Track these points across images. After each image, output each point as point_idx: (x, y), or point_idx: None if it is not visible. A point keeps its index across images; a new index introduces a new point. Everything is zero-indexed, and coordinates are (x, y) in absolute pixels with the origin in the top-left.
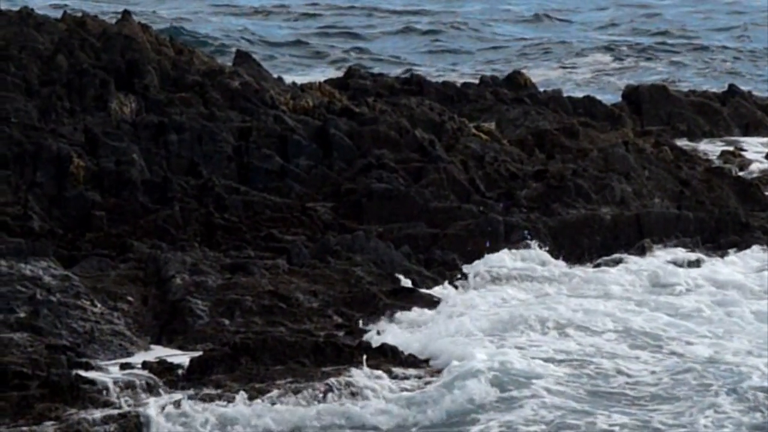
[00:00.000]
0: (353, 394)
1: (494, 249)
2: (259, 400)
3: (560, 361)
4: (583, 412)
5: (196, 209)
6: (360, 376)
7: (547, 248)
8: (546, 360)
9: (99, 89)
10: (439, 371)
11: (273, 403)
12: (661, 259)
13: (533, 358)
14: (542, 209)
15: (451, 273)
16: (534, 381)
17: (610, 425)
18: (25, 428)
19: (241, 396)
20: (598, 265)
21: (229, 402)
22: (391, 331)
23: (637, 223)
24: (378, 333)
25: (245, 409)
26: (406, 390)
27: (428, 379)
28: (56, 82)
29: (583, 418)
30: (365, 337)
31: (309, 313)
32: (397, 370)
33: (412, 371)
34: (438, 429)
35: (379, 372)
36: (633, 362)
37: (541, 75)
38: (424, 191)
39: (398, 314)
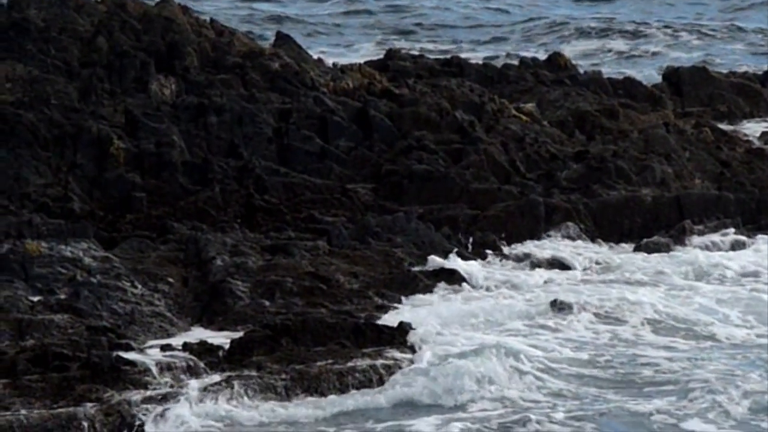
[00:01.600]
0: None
1: (535, 231)
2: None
3: (583, 346)
4: (600, 398)
5: (236, 191)
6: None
7: (587, 230)
8: (570, 345)
9: (139, 71)
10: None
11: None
12: (700, 241)
13: (561, 343)
14: (582, 190)
15: (492, 254)
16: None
17: (635, 411)
18: (65, 410)
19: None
20: (638, 247)
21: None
22: (417, 311)
23: (678, 204)
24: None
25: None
26: None
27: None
28: (96, 64)
29: (596, 405)
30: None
31: (349, 295)
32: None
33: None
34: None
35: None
36: (662, 349)
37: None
38: (465, 172)
39: (434, 295)
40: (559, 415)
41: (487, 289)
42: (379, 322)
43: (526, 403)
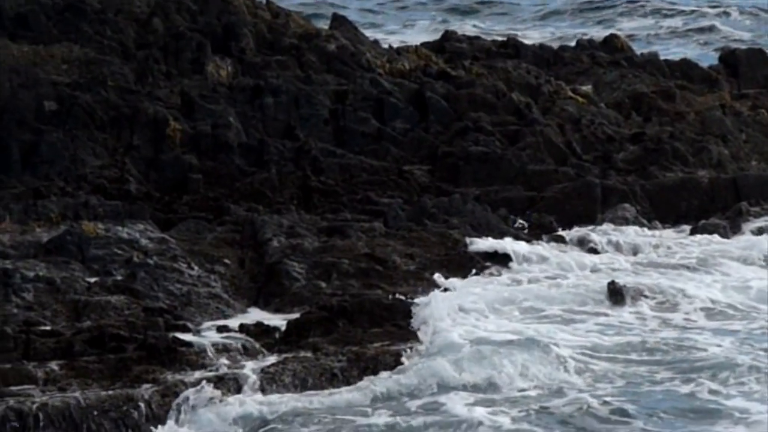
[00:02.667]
0: None
1: (591, 212)
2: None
3: (633, 330)
4: (645, 381)
5: (292, 172)
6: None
7: (643, 212)
8: (620, 328)
9: (195, 52)
10: None
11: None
12: (757, 223)
13: (610, 327)
14: (639, 172)
15: (548, 236)
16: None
17: (681, 392)
18: (121, 391)
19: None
20: (694, 230)
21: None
22: (470, 292)
23: (734, 186)
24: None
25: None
26: None
27: None
28: (153, 46)
29: (641, 387)
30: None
31: (406, 276)
32: None
33: None
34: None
35: None
36: (712, 334)
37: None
38: (521, 154)
39: (489, 277)
40: (602, 396)
41: (541, 271)
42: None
43: (567, 385)
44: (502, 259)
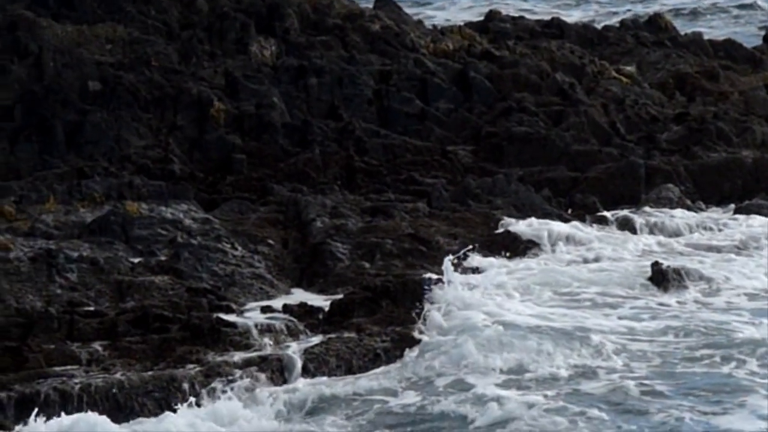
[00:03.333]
0: None
1: (635, 193)
2: None
3: (673, 312)
4: (681, 362)
5: (336, 152)
6: None
7: (687, 192)
8: (661, 311)
9: (239, 32)
10: None
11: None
12: None
13: (652, 309)
14: (683, 152)
15: (591, 217)
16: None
17: (716, 372)
18: (165, 371)
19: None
20: (738, 210)
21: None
22: (513, 273)
23: None
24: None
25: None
26: None
27: None
28: (197, 26)
29: (677, 368)
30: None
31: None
32: None
33: None
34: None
35: None
36: (752, 315)
37: None
38: (565, 134)
39: (532, 258)
40: (637, 376)
41: (582, 253)
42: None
43: (601, 367)
44: (544, 240)
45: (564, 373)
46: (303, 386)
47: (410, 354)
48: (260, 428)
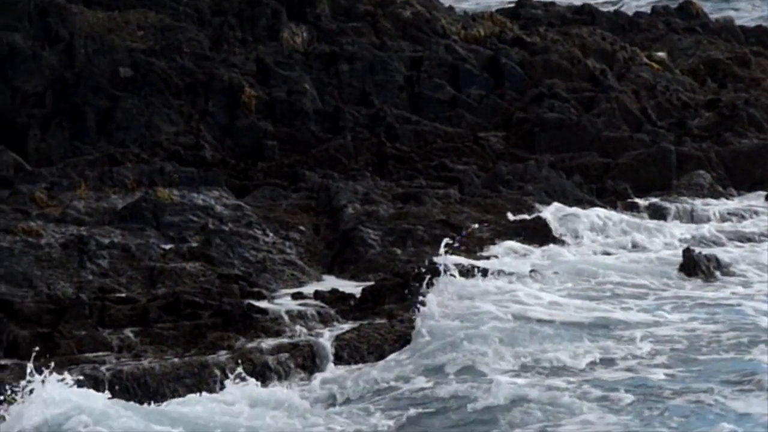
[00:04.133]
0: None
1: (666, 179)
2: None
3: (701, 303)
4: (705, 351)
5: (367, 139)
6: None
7: (719, 178)
8: (690, 302)
9: (271, 19)
10: None
11: None
12: None
13: (669, 301)
14: (714, 139)
15: (622, 203)
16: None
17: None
18: (196, 357)
19: None
20: None
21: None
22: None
23: None
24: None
25: None
26: None
27: None
28: (228, 12)
29: (700, 355)
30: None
31: (480, 243)
32: None
33: None
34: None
35: None
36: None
37: None
38: (596, 121)
39: (563, 246)
40: (659, 363)
41: (612, 239)
42: (507, 269)
43: (621, 356)
44: (573, 227)
45: (585, 360)
46: (334, 373)
47: (418, 340)
48: (290, 414)
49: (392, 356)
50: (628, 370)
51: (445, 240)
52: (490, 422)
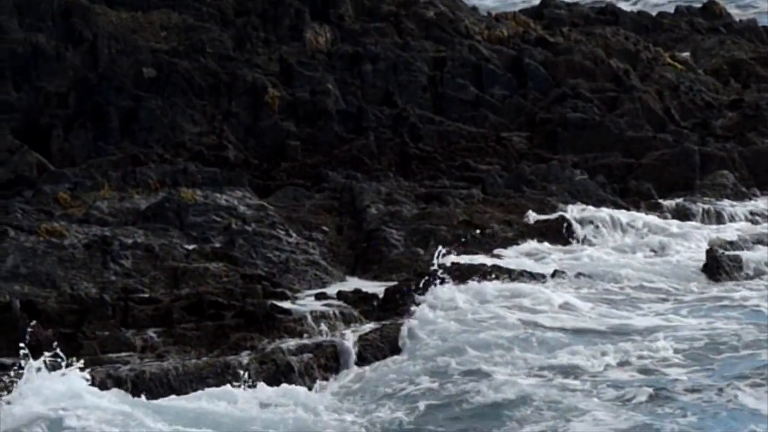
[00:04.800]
0: None
1: (690, 179)
2: None
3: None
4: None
5: (390, 139)
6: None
7: (742, 178)
8: (712, 304)
9: (294, 19)
10: None
11: None
12: None
13: (690, 303)
14: (737, 139)
15: (645, 203)
16: None
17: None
18: (220, 358)
19: None
20: None
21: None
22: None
23: None
24: None
25: None
26: None
27: None
28: (251, 13)
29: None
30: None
31: (503, 243)
32: None
33: None
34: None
35: None
36: None
37: None
38: (619, 121)
39: (586, 247)
40: (675, 363)
41: (635, 240)
42: (530, 270)
43: (638, 360)
44: (595, 227)
45: (600, 362)
46: (356, 373)
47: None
48: (314, 415)
49: (390, 359)
50: (643, 370)
51: (440, 248)
52: (497, 418)
